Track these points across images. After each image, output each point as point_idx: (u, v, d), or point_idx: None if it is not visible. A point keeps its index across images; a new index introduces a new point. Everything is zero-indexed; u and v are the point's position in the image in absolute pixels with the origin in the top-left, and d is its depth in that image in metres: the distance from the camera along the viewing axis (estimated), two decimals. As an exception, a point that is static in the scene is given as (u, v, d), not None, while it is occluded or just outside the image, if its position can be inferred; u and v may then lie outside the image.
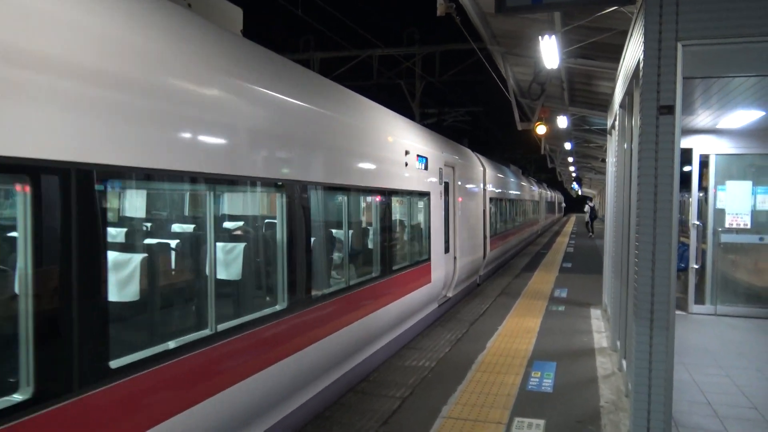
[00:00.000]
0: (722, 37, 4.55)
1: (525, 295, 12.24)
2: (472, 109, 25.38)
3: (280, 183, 4.82)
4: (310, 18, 21.68)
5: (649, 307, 4.80)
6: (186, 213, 4.77)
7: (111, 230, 4.77)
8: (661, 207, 4.71)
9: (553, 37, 7.53)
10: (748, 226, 9.71)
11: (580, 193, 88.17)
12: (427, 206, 9.24)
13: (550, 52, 8.12)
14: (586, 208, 36.93)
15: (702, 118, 8.62)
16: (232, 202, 5.26)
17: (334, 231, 6.53)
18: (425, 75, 22.19)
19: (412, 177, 8.32)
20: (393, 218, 7.65)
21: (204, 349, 3.79)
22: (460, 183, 11.80)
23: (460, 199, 11.72)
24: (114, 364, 3.10)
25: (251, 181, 4.49)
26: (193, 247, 4.31)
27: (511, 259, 20.67)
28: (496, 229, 16.77)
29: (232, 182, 4.27)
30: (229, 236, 5.10)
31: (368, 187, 6.72)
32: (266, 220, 5.33)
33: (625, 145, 6.98)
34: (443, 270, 10.16)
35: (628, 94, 6.56)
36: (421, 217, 9.25)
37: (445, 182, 10.56)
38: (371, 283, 6.80)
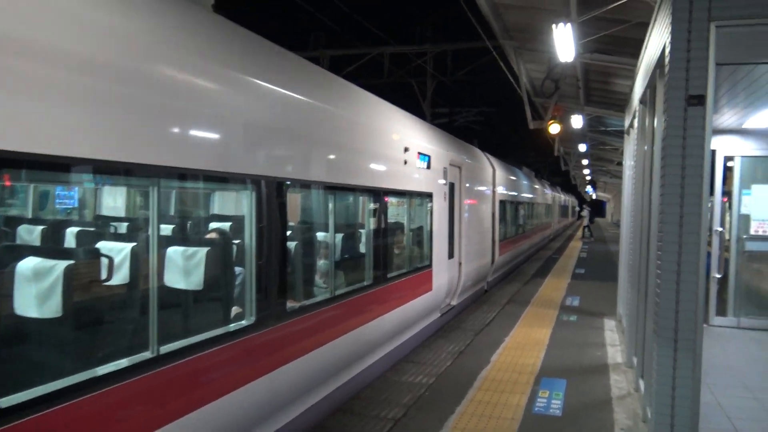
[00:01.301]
0: (763, 16, 3.93)
1: (535, 303, 11.61)
2: (484, 110, 24.75)
3: (249, 179, 4.23)
4: (320, 15, 21.22)
5: (673, 325, 4.20)
6: (119, 212, 4.21)
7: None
8: (689, 212, 4.10)
9: (569, 25, 6.93)
10: (775, 234, 9.03)
11: (594, 197, 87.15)
12: (429, 208, 8.65)
13: (565, 42, 7.52)
14: (585, 212, 36.50)
15: (727, 117, 7.97)
16: (190, 201, 4.73)
17: (319, 235, 5.97)
18: (437, 74, 21.63)
19: (411, 176, 7.73)
20: (389, 221, 7.04)
21: (142, 376, 3.23)
22: (467, 184, 11.19)
23: (466, 201, 11.12)
24: (3, 403, 2.54)
25: (211, 176, 3.92)
26: (134, 252, 3.72)
27: (522, 264, 20.01)
28: (506, 233, 16.13)
29: (186, 176, 3.72)
30: (182, 239, 4.57)
31: (359, 186, 6.12)
32: (232, 222, 4.79)
33: (645, 147, 6.35)
34: (446, 277, 9.56)
35: (650, 87, 5.95)
36: (421, 220, 8.67)
37: (450, 183, 9.97)
38: (362, 292, 6.23)
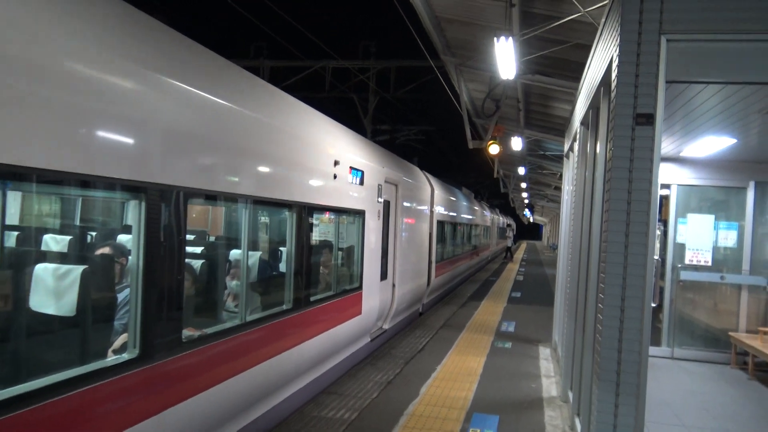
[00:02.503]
0: (717, 31, 3.63)
1: (470, 328, 11.22)
2: (426, 128, 24.57)
3: (134, 187, 3.54)
4: (263, 24, 20.59)
5: (615, 367, 3.79)
6: None
7: None
8: (635, 241, 3.72)
9: (510, 39, 6.60)
10: (709, 263, 8.97)
11: (531, 220, 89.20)
12: (361, 226, 8.11)
13: (506, 57, 7.19)
14: (509, 232, 39.18)
15: (665, 144, 7.83)
16: (53, 211, 4.02)
17: (228, 253, 5.32)
18: (379, 90, 21.34)
19: (342, 191, 7.17)
20: (314, 239, 6.44)
21: None
22: (403, 202, 10.74)
23: (402, 220, 10.66)
24: None
25: (84, 181, 3.24)
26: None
27: (459, 286, 19.74)
28: (443, 254, 15.78)
29: (48, 181, 3.04)
30: (42, 255, 3.86)
31: (279, 200, 5.49)
32: (104, 236, 4.11)
33: (586, 171, 6.04)
34: (378, 299, 9.03)
35: (593, 107, 5.65)
36: (352, 239, 8.11)
37: (385, 200, 9.48)
38: (280, 317, 5.58)
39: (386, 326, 10.08)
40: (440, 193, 15.34)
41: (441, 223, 15.49)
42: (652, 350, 8.97)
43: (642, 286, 3.67)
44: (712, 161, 8.69)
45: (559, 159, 18.39)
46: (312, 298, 6.38)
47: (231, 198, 4.74)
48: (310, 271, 6.32)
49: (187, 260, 4.44)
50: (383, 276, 9.50)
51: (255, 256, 5.56)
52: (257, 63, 20.00)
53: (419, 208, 12.48)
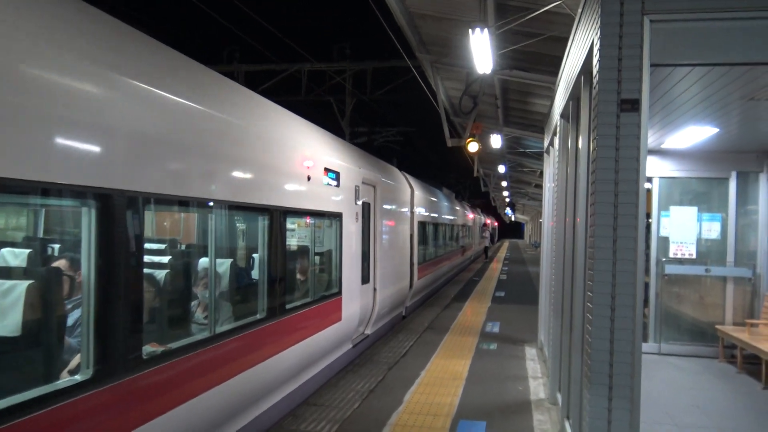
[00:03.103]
0: (703, 10, 3.43)
1: (454, 330, 10.99)
2: (405, 129, 24.37)
3: (78, 192, 3.23)
4: (236, 28, 20.21)
5: (607, 369, 3.56)
6: None
7: None
8: (623, 235, 3.50)
9: (486, 31, 6.38)
10: (694, 256, 8.85)
11: (513, 218, 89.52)
12: (338, 229, 7.83)
13: (482, 50, 6.96)
14: (485, 232, 39.71)
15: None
16: None
17: (194, 261, 5.02)
18: (356, 92, 21.13)
19: (317, 194, 6.89)
20: (288, 244, 6.14)
21: None
22: (383, 204, 10.49)
23: (382, 222, 10.41)
24: None
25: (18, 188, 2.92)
26: None
27: (442, 287, 19.52)
28: (425, 255, 15.56)
29: None
30: None
31: (246, 204, 5.19)
32: (55, 246, 3.79)
33: (567, 166, 5.83)
34: (358, 304, 8.75)
35: (573, 98, 5.44)
36: (330, 242, 7.83)
37: (364, 202, 9.22)
38: (253, 327, 5.29)
39: (368, 331, 9.81)
40: (420, 193, 15.12)
41: (422, 224, 15.27)
42: (640, 346, 8.82)
43: (633, 283, 3.45)
44: (693, 152, 8.57)
45: (539, 156, 18.27)
46: (288, 306, 6.09)
47: (194, 203, 4.43)
48: (284, 278, 6.03)
49: (148, 270, 4.15)
50: (364, 280, 9.24)
51: (225, 264, 5.26)
52: (232, 68, 19.67)
53: (399, 209, 12.24)
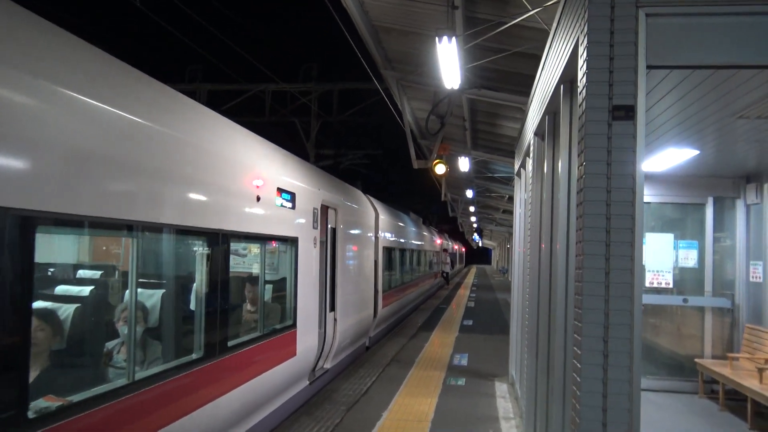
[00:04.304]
0: (707, 3, 2.94)
1: (420, 363, 10.32)
2: (371, 152, 23.86)
3: None
4: (198, 47, 19.59)
5: (600, 417, 2.95)
6: None
7: None
8: (618, 267, 2.94)
9: (454, 39, 5.87)
10: (670, 285, 8.41)
11: (480, 244, 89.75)
12: (294, 255, 7.14)
13: (450, 61, 6.45)
14: (448, 259, 39.98)
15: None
16: None
17: (110, 294, 4.30)
18: (322, 113, 20.61)
19: (267, 216, 6.22)
20: (232, 271, 5.43)
21: None
22: (345, 228, 9.85)
23: (344, 247, 9.76)
24: None
25: None
26: None
27: (409, 315, 18.85)
28: (390, 282, 14.91)
29: None
30: None
31: (177, 227, 4.48)
32: None
33: (543, 192, 5.30)
34: (316, 336, 8.04)
35: (550, 112, 4.93)
36: (284, 270, 7.14)
37: (324, 226, 8.57)
38: (185, 370, 4.55)
39: (328, 365, 9.08)
40: (386, 217, 14.53)
41: (388, 250, 14.65)
42: (615, 381, 8.29)
43: (630, 324, 2.88)
44: (669, 177, 8.19)
45: (507, 181, 17.94)
46: (230, 343, 5.36)
47: (107, 225, 3.70)
48: (227, 310, 5.32)
49: (45, 305, 3.42)
50: (323, 310, 8.54)
51: (154, 296, 4.53)
52: (194, 86, 19.00)
53: (363, 234, 11.60)
